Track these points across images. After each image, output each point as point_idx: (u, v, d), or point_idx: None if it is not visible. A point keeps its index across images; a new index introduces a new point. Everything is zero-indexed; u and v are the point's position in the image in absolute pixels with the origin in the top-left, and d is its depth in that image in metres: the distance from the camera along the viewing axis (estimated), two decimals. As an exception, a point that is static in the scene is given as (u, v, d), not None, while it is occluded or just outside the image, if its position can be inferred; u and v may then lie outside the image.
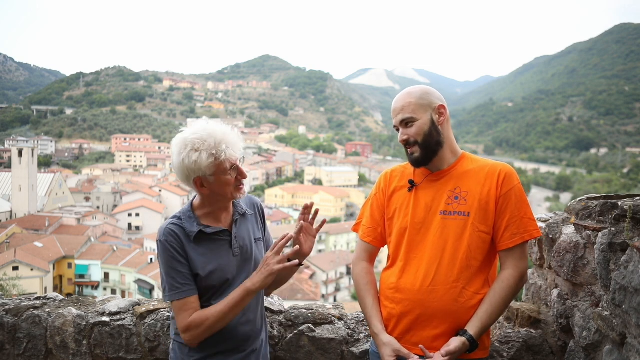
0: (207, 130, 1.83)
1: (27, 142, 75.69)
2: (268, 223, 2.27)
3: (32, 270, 36.24)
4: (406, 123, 1.95)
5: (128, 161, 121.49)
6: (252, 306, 1.99)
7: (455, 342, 1.82)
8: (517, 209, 1.90)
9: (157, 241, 1.89)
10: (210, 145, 1.80)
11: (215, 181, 1.85)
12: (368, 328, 2.12)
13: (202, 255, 1.88)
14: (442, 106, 1.97)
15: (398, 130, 2.01)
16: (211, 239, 1.91)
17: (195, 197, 1.98)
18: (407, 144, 1.97)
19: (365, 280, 2.09)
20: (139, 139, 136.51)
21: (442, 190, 1.96)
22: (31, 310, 2.54)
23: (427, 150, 1.94)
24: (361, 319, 2.50)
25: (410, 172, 2.07)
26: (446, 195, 1.95)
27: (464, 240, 1.89)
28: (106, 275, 43.78)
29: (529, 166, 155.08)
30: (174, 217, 1.93)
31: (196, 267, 1.87)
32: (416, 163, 1.98)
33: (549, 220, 2.30)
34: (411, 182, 2.02)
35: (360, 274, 2.11)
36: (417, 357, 1.86)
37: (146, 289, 40.49)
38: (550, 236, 2.25)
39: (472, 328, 1.85)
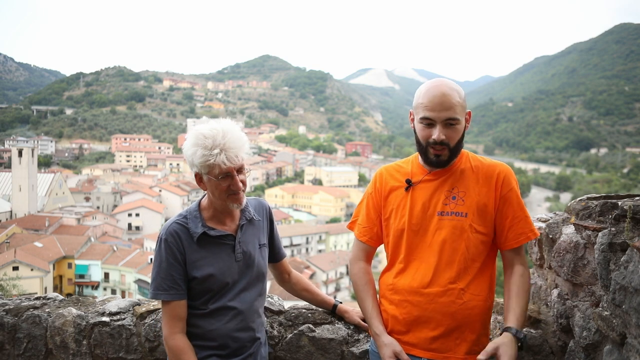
0: (215, 129, 1.79)
1: (27, 142, 75.78)
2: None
3: (32, 270, 36.23)
4: (450, 123, 1.81)
5: (128, 161, 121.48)
6: (252, 313, 1.98)
7: (505, 346, 1.71)
8: (520, 209, 1.90)
9: (158, 237, 1.88)
10: (207, 145, 1.76)
11: (208, 181, 1.84)
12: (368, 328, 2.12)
13: (202, 258, 1.86)
14: (470, 112, 1.92)
15: (429, 124, 1.82)
16: (214, 242, 1.89)
17: (203, 196, 1.96)
18: (439, 144, 1.82)
19: (363, 281, 2.07)
20: (139, 139, 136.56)
21: (440, 190, 1.92)
22: (31, 310, 2.54)
23: (453, 155, 1.88)
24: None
25: (406, 170, 2.02)
26: (444, 195, 1.91)
27: (461, 241, 1.87)
28: (106, 275, 43.78)
29: (529, 166, 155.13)
30: (180, 215, 1.91)
31: (194, 270, 1.85)
32: (438, 165, 1.90)
33: (549, 220, 2.29)
34: (408, 182, 1.97)
35: (358, 274, 2.09)
36: None
37: (146, 289, 40.44)
38: (550, 236, 2.24)
39: (512, 322, 1.80)
